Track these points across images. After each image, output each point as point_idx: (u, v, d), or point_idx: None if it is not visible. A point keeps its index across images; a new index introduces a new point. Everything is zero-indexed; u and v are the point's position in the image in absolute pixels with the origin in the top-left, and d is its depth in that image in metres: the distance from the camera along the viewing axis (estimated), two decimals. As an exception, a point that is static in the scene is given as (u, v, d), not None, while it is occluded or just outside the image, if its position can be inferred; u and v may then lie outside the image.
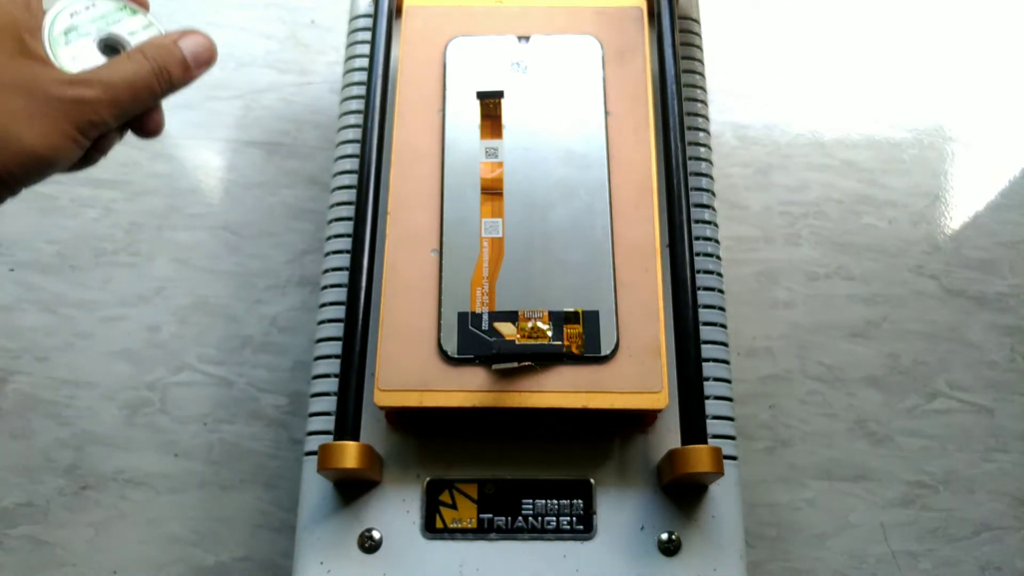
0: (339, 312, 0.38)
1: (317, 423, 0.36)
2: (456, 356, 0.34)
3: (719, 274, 0.39)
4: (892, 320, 0.49)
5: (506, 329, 0.34)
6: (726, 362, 0.38)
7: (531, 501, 0.35)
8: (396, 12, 0.41)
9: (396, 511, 0.34)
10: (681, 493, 0.35)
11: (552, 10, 0.41)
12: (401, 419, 0.36)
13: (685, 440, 0.33)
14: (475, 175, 0.37)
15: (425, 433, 0.36)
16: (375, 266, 0.36)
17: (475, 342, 0.34)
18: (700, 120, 0.42)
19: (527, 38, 0.40)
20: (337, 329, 0.37)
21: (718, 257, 0.39)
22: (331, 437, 0.33)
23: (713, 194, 0.41)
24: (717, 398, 0.37)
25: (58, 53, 0.27)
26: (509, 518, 0.34)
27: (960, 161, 0.54)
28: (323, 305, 0.38)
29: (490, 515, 0.34)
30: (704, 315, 0.37)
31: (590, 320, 0.34)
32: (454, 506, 0.35)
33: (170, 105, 0.56)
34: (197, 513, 0.44)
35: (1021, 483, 0.45)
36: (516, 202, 0.37)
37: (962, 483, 0.45)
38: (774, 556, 0.43)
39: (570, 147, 0.38)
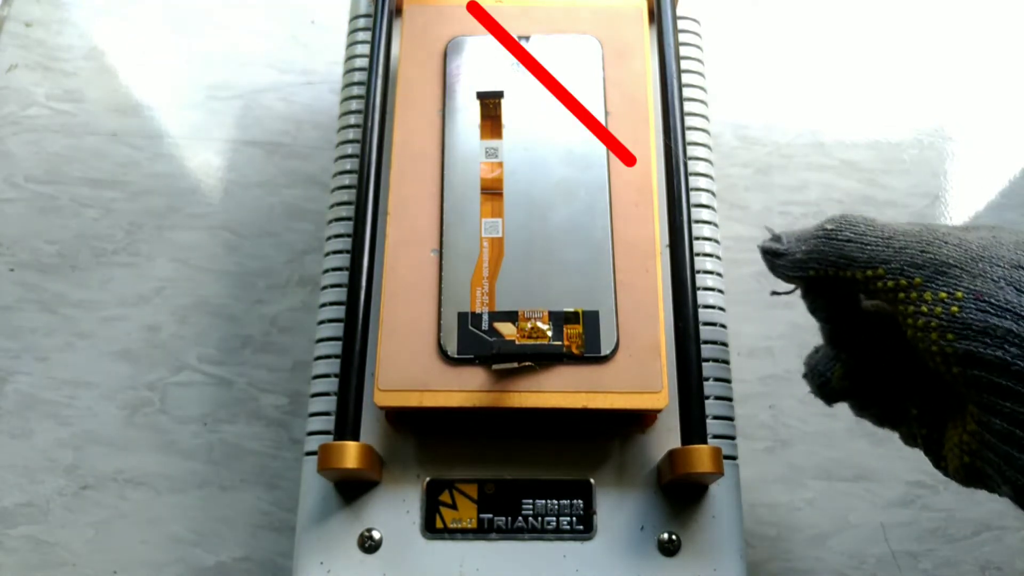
0: (339, 312, 0.38)
1: (317, 423, 0.36)
2: (456, 356, 0.34)
3: (719, 274, 0.39)
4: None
5: (506, 329, 0.34)
6: (726, 362, 0.38)
7: (531, 501, 0.35)
8: (396, 12, 0.42)
9: (396, 511, 0.35)
10: (681, 493, 0.35)
11: (552, 10, 0.41)
12: (401, 419, 0.36)
13: (685, 440, 0.33)
14: (475, 175, 0.37)
15: (425, 433, 0.36)
16: (375, 266, 0.36)
17: (475, 342, 0.34)
18: (700, 120, 0.42)
19: (527, 38, 0.40)
20: (337, 329, 0.37)
21: (718, 257, 0.39)
22: (331, 437, 0.33)
23: (713, 194, 0.41)
24: (717, 398, 0.37)
25: None
26: (509, 518, 0.34)
27: (960, 161, 0.54)
28: (323, 305, 0.38)
29: (490, 515, 0.34)
30: (704, 315, 0.37)
31: (590, 320, 0.34)
32: (454, 506, 0.35)
33: (170, 105, 0.56)
34: (197, 513, 0.44)
35: (1021, 483, 0.45)
36: (516, 202, 0.37)
37: (962, 483, 0.45)
38: (774, 556, 0.43)
39: (570, 147, 0.38)
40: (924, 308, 0.28)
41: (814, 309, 0.33)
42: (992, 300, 0.26)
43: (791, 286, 0.33)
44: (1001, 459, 0.27)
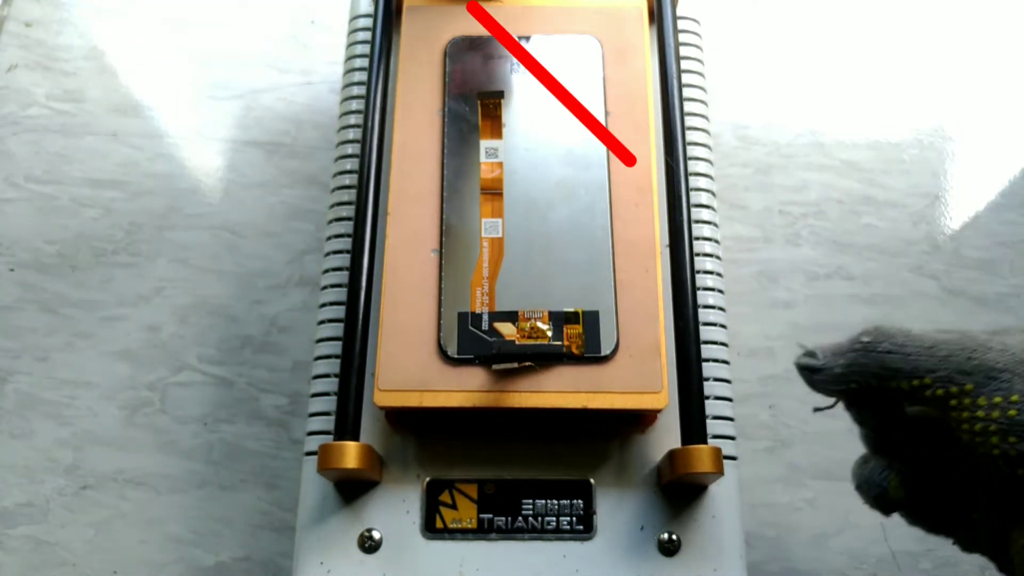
0: (339, 312, 0.38)
1: (317, 423, 0.36)
2: (456, 356, 0.34)
3: (719, 274, 0.39)
4: (892, 320, 0.48)
5: (506, 329, 0.34)
6: (726, 362, 0.38)
7: (531, 501, 0.35)
8: (396, 12, 0.42)
9: (396, 511, 0.35)
10: (681, 493, 0.35)
11: (552, 10, 0.41)
12: (401, 419, 0.36)
13: (685, 440, 0.33)
14: (475, 175, 0.37)
15: (425, 433, 0.36)
16: (375, 266, 0.36)
17: (475, 342, 0.34)
18: (700, 120, 0.42)
19: (527, 38, 0.40)
20: (337, 329, 0.37)
21: (718, 257, 0.39)
22: (331, 437, 0.33)
23: (713, 194, 0.41)
24: (717, 398, 0.37)
25: None
26: (509, 518, 0.34)
27: (960, 161, 0.54)
28: (323, 305, 0.38)
29: (490, 515, 0.34)
30: (704, 315, 0.37)
31: (590, 320, 0.34)
32: (454, 506, 0.35)
33: (170, 105, 0.56)
34: (197, 513, 0.44)
35: (1021, 483, 0.45)
36: (516, 202, 0.37)
37: (962, 483, 0.45)
38: (774, 556, 0.43)
39: (570, 147, 0.38)
40: (980, 413, 0.28)
41: (860, 420, 0.33)
42: None
43: (832, 400, 0.33)
44: None
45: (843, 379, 0.31)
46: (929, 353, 0.29)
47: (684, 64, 0.42)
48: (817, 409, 0.34)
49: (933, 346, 0.30)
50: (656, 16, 0.40)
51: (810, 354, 0.32)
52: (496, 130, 0.38)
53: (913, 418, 0.32)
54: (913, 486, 0.33)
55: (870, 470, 0.34)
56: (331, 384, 0.37)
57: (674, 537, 0.34)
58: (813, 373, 0.32)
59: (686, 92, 0.41)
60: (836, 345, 0.32)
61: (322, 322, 0.38)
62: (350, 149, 0.41)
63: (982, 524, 0.31)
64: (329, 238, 0.40)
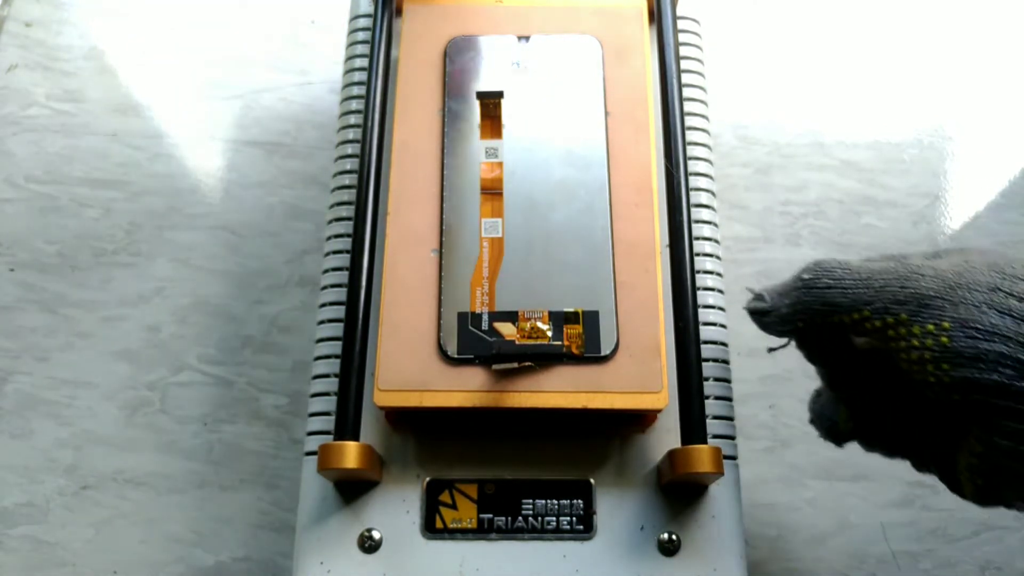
0: (339, 312, 0.38)
1: (317, 423, 0.36)
2: (456, 356, 0.34)
3: (719, 274, 0.39)
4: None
5: (506, 329, 0.34)
6: (726, 362, 0.38)
7: (531, 501, 0.35)
8: (396, 12, 0.42)
9: (396, 511, 0.35)
10: (681, 493, 0.35)
11: (552, 10, 0.41)
12: (401, 419, 0.36)
13: (685, 440, 0.33)
14: (475, 175, 0.37)
15: (425, 433, 0.36)
16: (375, 266, 0.36)
17: (475, 342, 0.34)
18: (700, 120, 0.42)
19: (527, 38, 0.40)
20: (337, 329, 0.37)
21: (718, 257, 0.39)
22: (331, 437, 0.33)
23: (713, 194, 0.41)
24: (717, 398, 0.37)
25: None
26: (509, 518, 0.34)
27: (960, 161, 0.54)
28: (323, 305, 0.38)
29: (490, 515, 0.34)
30: (704, 315, 0.37)
31: (590, 320, 0.34)
32: (454, 506, 0.35)
33: (170, 105, 0.56)
34: (197, 513, 0.44)
35: (1021, 483, 0.45)
36: (516, 202, 0.37)
37: (962, 483, 0.45)
38: (774, 556, 0.43)
39: (570, 147, 0.38)
40: (915, 342, 0.28)
41: (811, 357, 0.34)
42: (978, 326, 0.27)
43: (784, 340, 0.34)
44: (1012, 477, 0.27)
45: (790, 319, 0.32)
46: (866, 285, 0.30)
47: (684, 64, 0.42)
48: (771, 349, 0.34)
49: (870, 277, 0.30)
50: (656, 16, 0.40)
51: (758, 297, 0.33)
52: (496, 130, 0.38)
53: (860, 350, 0.33)
54: (861, 417, 0.33)
55: (822, 404, 0.35)
56: (331, 384, 0.37)
57: (674, 537, 0.34)
58: (763, 316, 0.33)
59: (686, 92, 0.41)
60: (781, 285, 0.32)
61: (322, 322, 0.38)
62: (350, 149, 0.41)
63: (928, 448, 0.32)
64: (329, 238, 0.40)
